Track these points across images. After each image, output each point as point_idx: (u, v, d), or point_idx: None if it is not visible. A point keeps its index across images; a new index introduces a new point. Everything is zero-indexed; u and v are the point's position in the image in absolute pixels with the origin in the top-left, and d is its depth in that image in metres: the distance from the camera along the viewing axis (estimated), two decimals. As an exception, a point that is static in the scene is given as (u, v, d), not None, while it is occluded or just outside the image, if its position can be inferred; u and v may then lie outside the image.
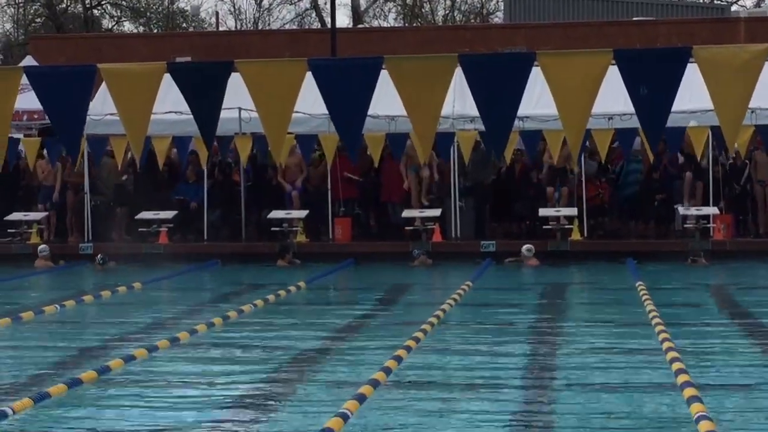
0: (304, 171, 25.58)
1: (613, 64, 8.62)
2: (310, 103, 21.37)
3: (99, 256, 23.53)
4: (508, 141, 18.87)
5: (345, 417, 9.08)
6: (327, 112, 20.76)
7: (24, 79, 9.55)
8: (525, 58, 8.32)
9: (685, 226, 24.21)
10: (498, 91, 8.39)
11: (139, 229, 25.39)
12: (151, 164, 25.20)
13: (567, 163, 24.30)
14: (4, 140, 9.49)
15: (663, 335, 12.95)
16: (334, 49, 31.75)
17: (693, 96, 22.35)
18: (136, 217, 25.46)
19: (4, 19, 67.45)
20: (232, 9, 68.26)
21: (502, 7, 54.60)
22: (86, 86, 8.86)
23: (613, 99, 20.94)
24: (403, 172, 24.84)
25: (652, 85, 8.22)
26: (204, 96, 8.78)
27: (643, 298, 16.57)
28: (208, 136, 8.98)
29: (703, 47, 8.18)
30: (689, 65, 8.66)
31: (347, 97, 8.60)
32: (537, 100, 22.87)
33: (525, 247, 22.89)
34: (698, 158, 24.40)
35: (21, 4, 63.82)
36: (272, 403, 10.21)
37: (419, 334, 13.36)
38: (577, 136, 8.70)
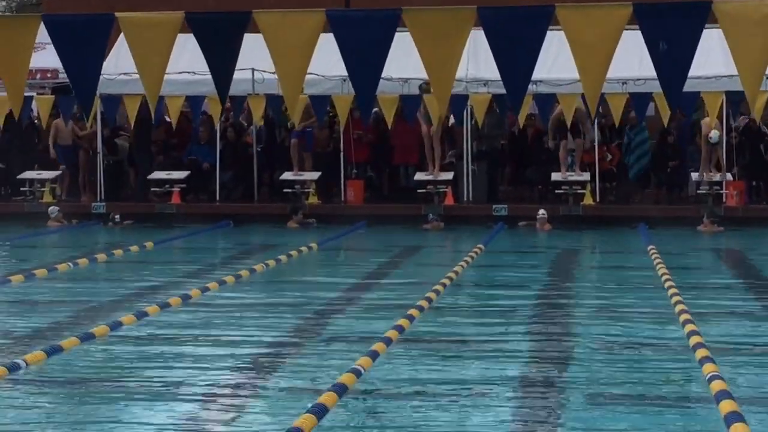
0: (313, 117, 25.31)
1: (631, 28, 8.56)
2: (324, 64, 21.38)
3: (117, 216, 23.62)
4: (523, 102, 18.85)
5: (358, 373, 9.10)
6: (341, 73, 21.03)
7: (39, 38, 9.53)
8: (543, 11, 8.28)
9: (698, 192, 24.15)
10: (516, 43, 8.35)
11: (152, 189, 25.43)
12: (146, 126, 25.26)
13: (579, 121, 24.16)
14: (20, 90, 9.47)
15: (675, 297, 12.95)
16: (348, 3, 31.46)
17: (709, 61, 22.35)
18: (149, 177, 25.50)
19: (18, -22, 67.23)
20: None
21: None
22: (103, 36, 8.83)
23: (628, 64, 20.94)
24: (420, 119, 24.71)
25: (671, 38, 8.19)
26: (220, 46, 8.75)
27: (655, 261, 16.56)
28: (222, 88, 8.94)
29: (723, 1, 8.12)
30: (706, 31, 8.61)
31: (364, 49, 8.57)
32: (552, 64, 22.82)
33: (541, 211, 22.86)
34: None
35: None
36: (284, 360, 10.24)
37: (431, 294, 13.37)
38: (595, 91, 8.66)
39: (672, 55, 8.23)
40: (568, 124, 23.99)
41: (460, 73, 22.81)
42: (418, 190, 24.75)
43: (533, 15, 8.48)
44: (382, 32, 8.49)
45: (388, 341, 10.46)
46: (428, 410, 8.31)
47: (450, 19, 8.42)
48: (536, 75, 18.86)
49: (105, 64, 22.24)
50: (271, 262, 16.91)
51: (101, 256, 17.99)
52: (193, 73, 23.18)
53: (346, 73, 9.19)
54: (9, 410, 8.30)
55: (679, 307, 12.28)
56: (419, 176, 24.86)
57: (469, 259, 17.11)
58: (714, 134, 23.40)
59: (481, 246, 18.85)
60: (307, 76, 9.81)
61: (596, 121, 24.19)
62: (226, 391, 8.96)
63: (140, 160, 26.28)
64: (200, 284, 14.48)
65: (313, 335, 11.42)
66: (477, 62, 24.11)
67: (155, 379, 9.32)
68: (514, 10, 8.63)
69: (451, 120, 25.06)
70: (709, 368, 9.08)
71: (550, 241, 21.19)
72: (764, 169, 25.08)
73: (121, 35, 9.30)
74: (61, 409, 8.38)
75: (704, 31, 8.56)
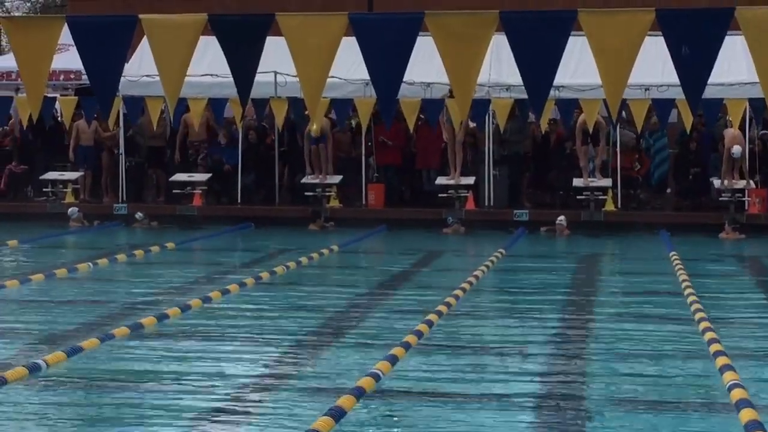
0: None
1: (654, 34, 8.54)
2: (346, 67, 21.38)
3: (140, 213, 23.70)
4: (544, 109, 18.81)
5: (376, 377, 9.10)
6: (363, 77, 21.02)
7: (61, 39, 9.57)
8: (566, 16, 8.28)
9: (720, 199, 24.07)
10: (538, 48, 8.35)
11: (173, 191, 25.48)
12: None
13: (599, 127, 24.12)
14: (40, 92, 9.49)
15: (696, 305, 12.91)
16: (371, 7, 31.40)
17: (731, 67, 22.30)
18: (171, 179, 25.55)
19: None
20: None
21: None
22: (126, 37, 8.86)
23: (651, 70, 20.89)
24: (442, 125, 24.65)
25: (693, 44, 8.18)
26: (243, 49, 8.78)
27: (676, 268, 16.51)
28: (243, 91, 8.96)
29: (746, 8, 8.10)
30: (729, 38, 8.60)
31: (386, 53, 8.59)
32: (574, 69, 22.78)
33: (560, 218, 22.84)
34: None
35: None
36: (303, 362, 10.24)
37: (451, 299, 13.35)
38: (617, 96, 8.65)
39: (694, 58, 8.22)
40: (590, 131, 23.96)
41: (483, 77, 22.76)
42: (440, 195, 24.73)
43: (556, 20, 8.48)
44: (404, 36, 8.49)
45: (407, 345, 10.45)
46: (447, 415, 8.30)
47: (472, 23, 8.42)
48: (559, 80, 18.67)
49: (128, 66, 22.40)
50: (292, 265, 16.93)
51: (122, 257, 18.04)
52: (216, 75, 23.24)
53: (369, 77, 9.19)
54: (30, 411, 8.33)
55: (700, 314, 12.24)
56: (440, 180, 24.83)
57: (489, 264, 17.07)
58: (736, 150, 23.30)
59: (502, 250, 18.81)
60: (330, 80, 9.80)
61: (618, 127, 24.15)
62: (245, 392, 8.98)
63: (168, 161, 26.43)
64: (220, 286, 14.50)
65: (332, 338, 11.42)
66: (499, 67, 24.07)
67: (174, 381, 9.34)
68: (537, 15, 8.63)
69: (472, 124, 24.93)
70: (729, 376, 9.04)
71: (571, 247, 21.15)
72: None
73: (145, 37, 9.33)
74: (81, 409, 8.41)
75: (728, 38, 8.55)
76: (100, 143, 26.36)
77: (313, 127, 24.38)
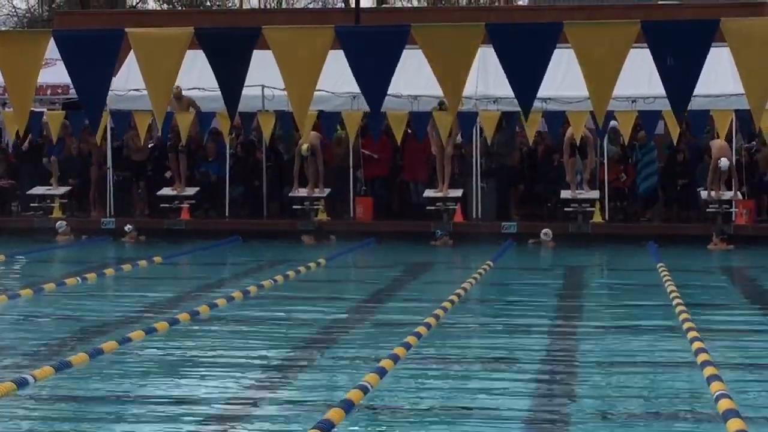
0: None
1: (640, 46, 8.58)
2: (333, 81, 21.42)
3: (129, 226, 23.62)
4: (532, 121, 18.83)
5: (365, 389, 9.10)
6: (350, 90, 21.09)
7: (49, 54, 9.57)
8: (552, 28, 8.31)
9: (708, 210, 24.11)
10: (525, 55, 8.37)
11: (161, 205, 25.43)
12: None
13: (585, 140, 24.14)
14: (26, 106, 9.50)
15: (683, 315, 12.93)
16: (358, 20, 31.41)
17: (718, 79, 22.37)
18: (158, 193, 25.51)
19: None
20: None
21: (527, -10, 54.09)
22: (113, 51, 8.87)
23: (637, 82, 20.96)
24: (431, 137, 24.64)
25: (679, 55, 8.22)
26: (230, 63, 8.80)
27: (664, 279, 16.53)
28: (231, 104, 8.97)
29: (731, 19, 8.15)
30: (715, 49, 8.63)
31: (374, 65, 8.61)
32: (561, 82, 22.82)
33: (543, 231, 22.86)
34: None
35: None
36: (291, 376, 10.24)
37: (439, 312, 13.35)
38: (602, 105, 8.68)
39: (679, 67, 8.26)
40: (578, 143, 24.01)
41: (470, 90, 22.83)
42: (428, 207, 24.73)
43: (541, 31, 8.51)
44: (391, 48, 8.52)
45: (395, 358, 10.45)
46: (435, 428, 8.30)
47: (458, 35, 8.45)
48: (546, 92, 18.67)
49: (115, 80, 22.37)
50: (280, 278, 16.90)
51: (110, 271, 18.00)
52: (203, 89, 23.24)
53: (356, 90, 9.23)
54: (17, 427, 8.31)
55: (687, 324, 12.26)
56: (428, 193, 24.85)
57: (477, 276, 17.08)
58: (724, 163, 23.34)
59: (490, 263, 18.81)
60: (317, 93, 9.82)
61: (606, 138, 24.21)
62: (233, 406, 8.96)
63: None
64: (208, 300, 14.48)
65: (320, 351, 11.41)
66: (487, 79, 24.11)
67: (163, 395, 9.32)
68: (522, 26, 8.68)
69: (459, 138, 24.92)
70: (716, 386, 9.06)
71: (559, 259, 21.15)
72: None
73: (132, 51, 9.34)
74: (69, 424, 8.38)
75: (714, 49, 8.58)
76: (86, 156, 26.27)
77: (304, 147, 24.38)
